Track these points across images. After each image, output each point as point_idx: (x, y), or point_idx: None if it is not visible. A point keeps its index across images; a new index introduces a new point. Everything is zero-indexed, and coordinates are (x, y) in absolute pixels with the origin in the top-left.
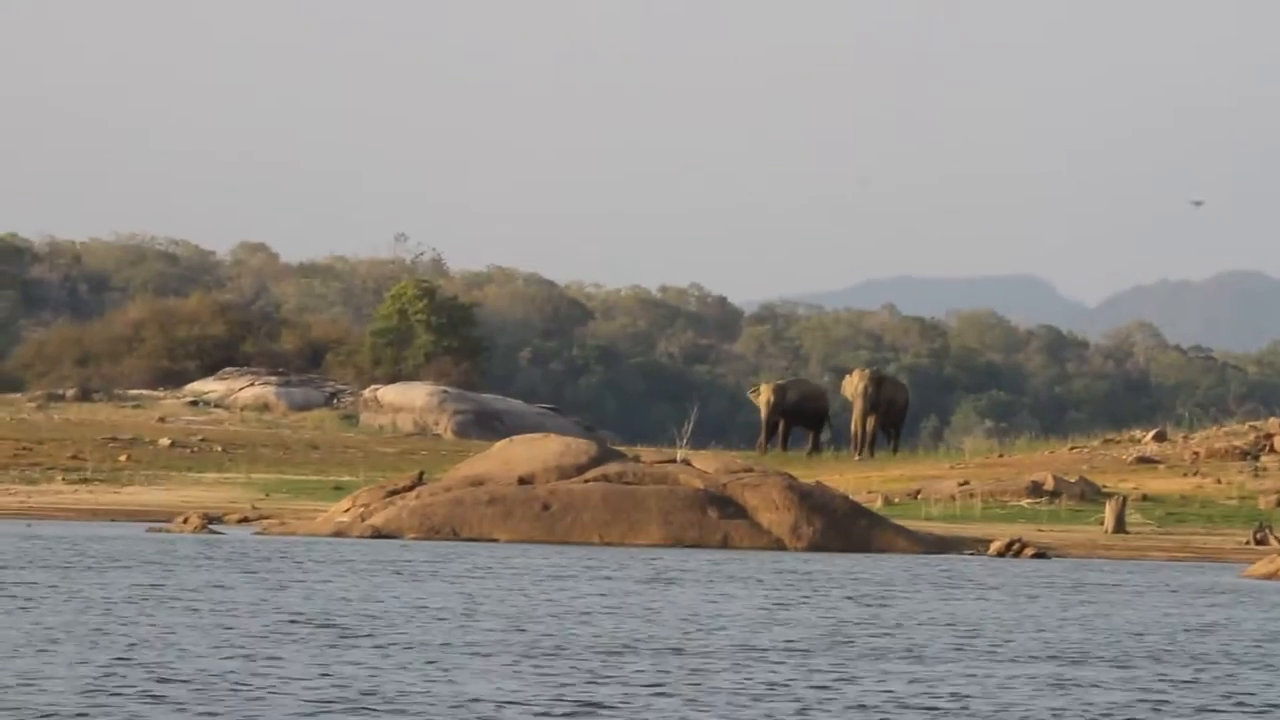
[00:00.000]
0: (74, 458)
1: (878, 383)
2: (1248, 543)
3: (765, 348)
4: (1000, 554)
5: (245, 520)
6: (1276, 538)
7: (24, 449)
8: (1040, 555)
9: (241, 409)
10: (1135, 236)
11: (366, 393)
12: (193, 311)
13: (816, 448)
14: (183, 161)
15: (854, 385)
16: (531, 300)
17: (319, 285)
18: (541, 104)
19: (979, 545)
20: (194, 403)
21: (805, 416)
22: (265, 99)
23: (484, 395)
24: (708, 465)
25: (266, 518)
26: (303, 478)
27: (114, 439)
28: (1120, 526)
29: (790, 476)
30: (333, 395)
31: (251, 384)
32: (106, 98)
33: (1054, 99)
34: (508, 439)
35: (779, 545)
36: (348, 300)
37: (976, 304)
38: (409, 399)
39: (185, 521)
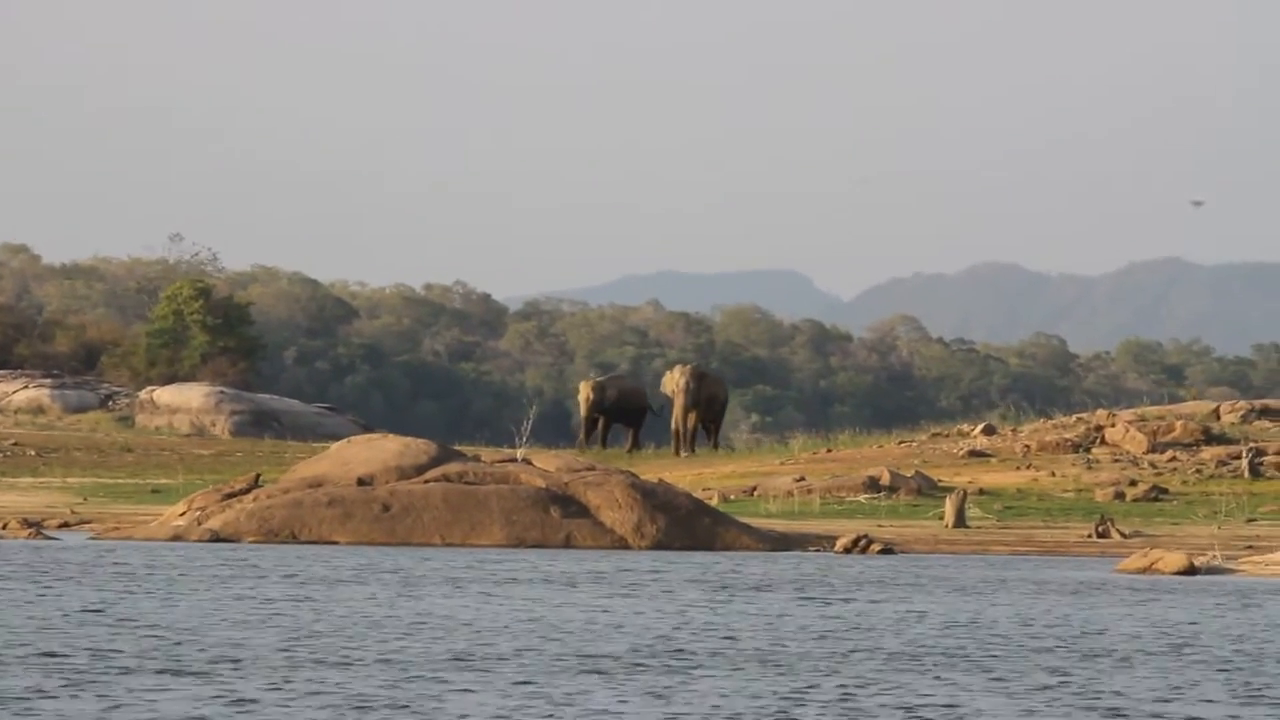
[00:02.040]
0: None
1: (699, 379)
2: (1090, 536)
3: (531, 344)
4: (846, 550)
5: (66, 525)
6: (1118, 530)
7: None
8: (887, 551)
9: (15, 412)
10: (890, 230)
11: (142, 394)
12: None
13: (636, 445)
14: None
15: (675, 381)
16: (296, 299)
17: (82, 286)
18: (305, 98)
19: (823, 542)
20: None
21: (624, 414)
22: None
23: (260, 395)
24: (549, 464)
25: (87, 522)
26: (119, 481)
27: None
28: (961, 521)
29: (633, 475)
30: (108, 397)
31: (25, 386)
32: None
33: (807, 98)
34: (346, 439)
35: (622, 544)
36: (111, 301)
37: (736, 298)
38: (185, 400)
39: (5, 527)
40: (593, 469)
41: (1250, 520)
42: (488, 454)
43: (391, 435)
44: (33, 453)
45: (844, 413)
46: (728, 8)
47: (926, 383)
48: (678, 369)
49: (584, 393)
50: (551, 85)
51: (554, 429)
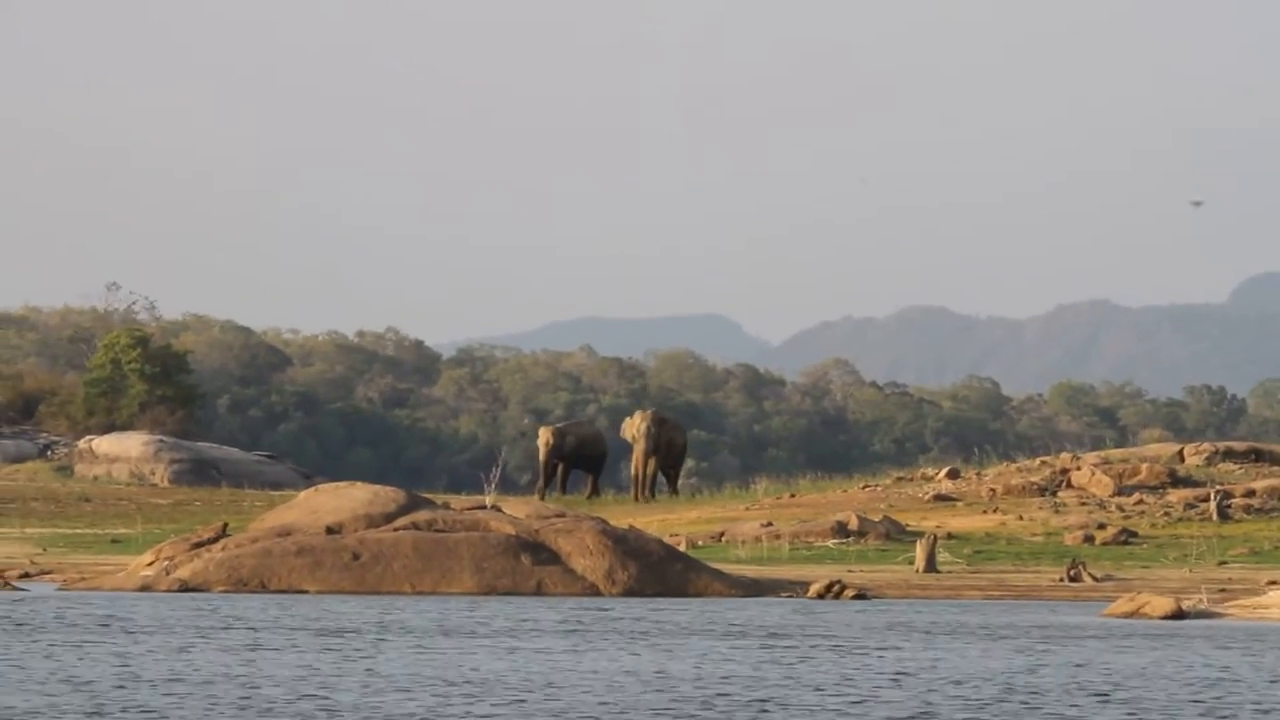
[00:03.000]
0: None
1: (659, 424)
2: (1061, 579)
3: (464, 390)
4: (820, 595)
5: (26, 575)
6: (1090, 574)
7: None
8: (860, 596)
9: None
10: (818, 275)
11: (81, 443)
12: None
13: (596, 491)
14: None
15: (635, 427)
16: (229, 347)
17: (14, 336)
18: (236, 139)
19: (795, 588)
20: None
21: (584, 459)
22: None
23: (200, 443)
24: (519, 511)
25: (47, 573)
26: (78, 531)
27: None
28: (932, 566)
29: (603, 521)
30: (46, 446)
31: None
32: None
33: (732, 145)
34: (314, 487)
35: (593, 591)
36: (43, 351)
37: (664, 344)
38: (124, 449)
39: None
40: (562, 515)
41: (1222, 563)
42: (456, 502)
43: (359, 484)
44: None
45: (778, 456)
46: (652, 57)
47: (860, 426)
48: (638, 415)
49: (544, 438)
50: (480, 129)
51: (489, 474)
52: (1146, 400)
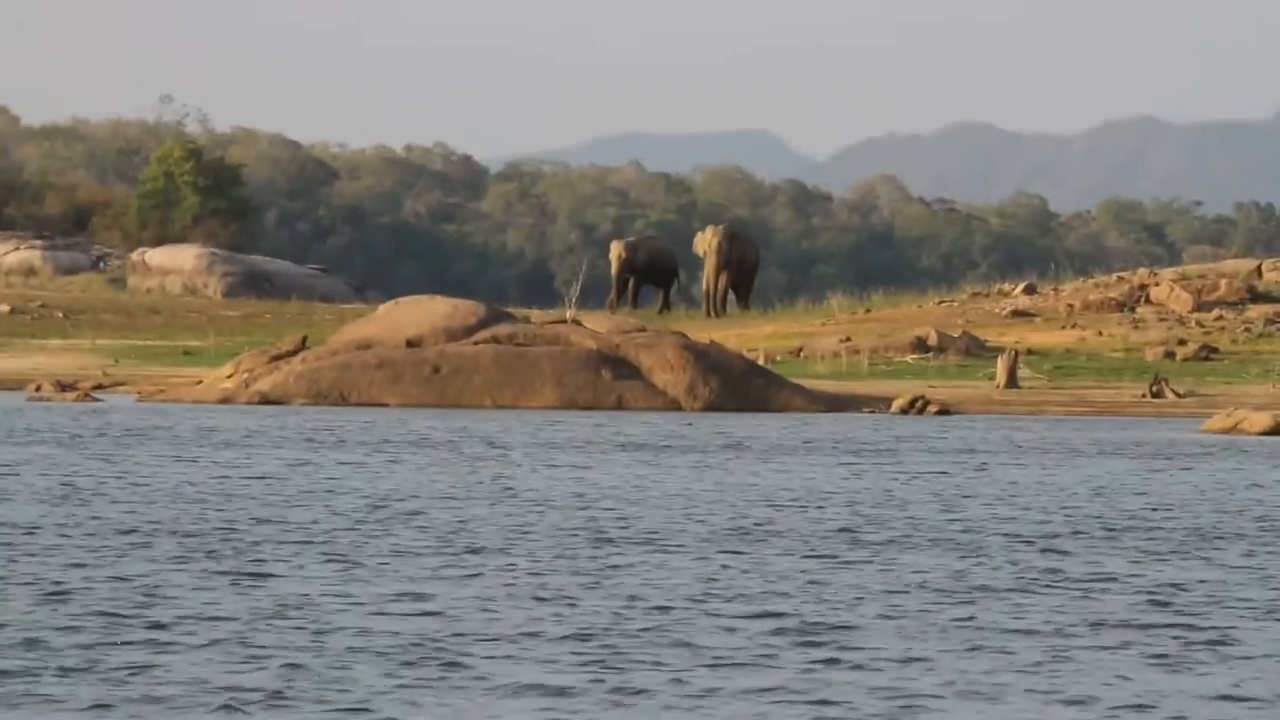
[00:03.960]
0: None
1: (731, 239)
2: (1144, 396)
3: (512, 205)
4: (903, 411)
5: (99, 387)
6: (1172, 390)
7: None
8: (944, 412)
9: (7, 273)
10: (864, 89)
11: (134, 256)
12: None
13: (667, 306)
14: None
15: (707, 242)
16: (276, 161)
17: (62, 148)
18: None
19: (877, 403)
20: None
21: (655, 274)
22: None
23: (252, 256)
24: (600, 326)
25: (120, 384)
26: (149, 343)
27: None
28: (1013, 381)
29: (684, 336)
30: (99, 259)
31: (17, 248)
32: None
33: None
34: (393, 300)
35: (674, 406)
36: (91, 163)
37: (708, 159)
38: (177, 261)
39: (38, 389)
40: (643, 330)
41: None
42: (536, 316)
43: (439, 297)
44: (60, 314)
45: (827, 273)
46: None
47: (908, 243)
48: (710, 229)
49: (616, 252)
50: None
51: (536, 291)
52: (1195, 217)
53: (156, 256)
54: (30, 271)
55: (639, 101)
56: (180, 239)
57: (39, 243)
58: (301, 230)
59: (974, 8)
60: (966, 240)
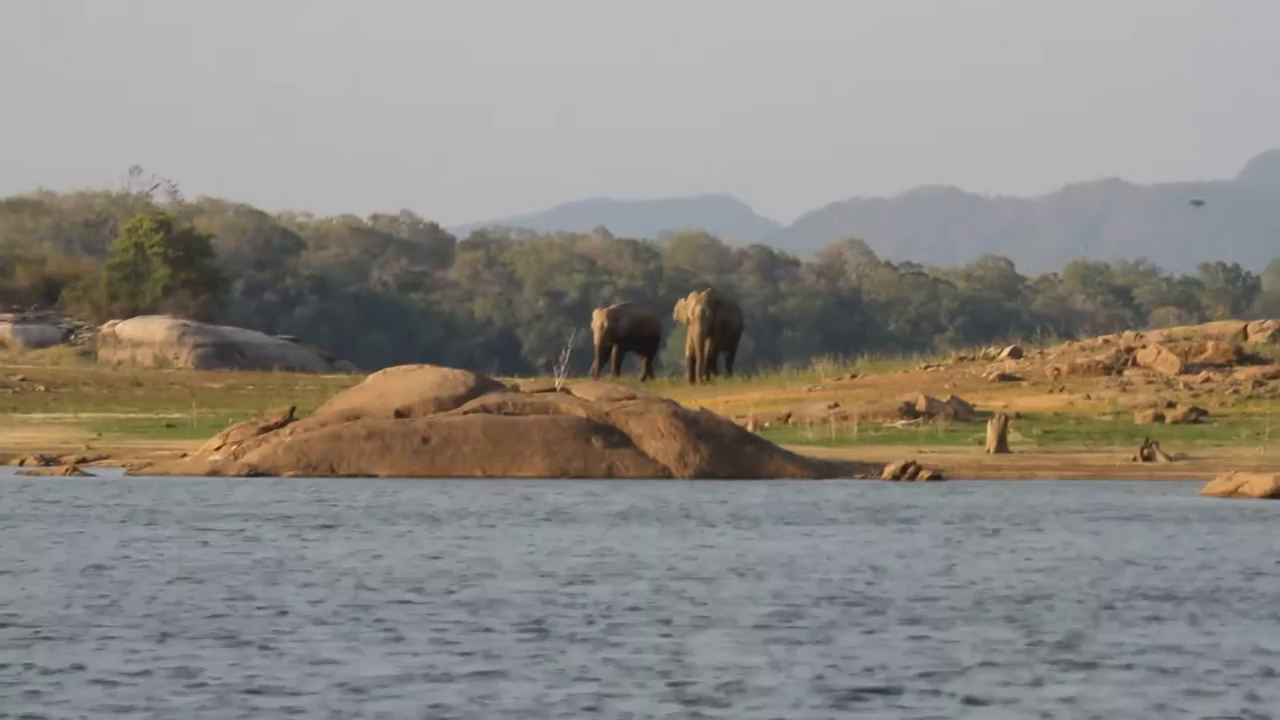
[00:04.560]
0: None
1: (714, 305)
2: (1135, 459)
3: (479, 274)
4: (895, 477)
5: (84, 460)
6: (1164, 453)
7: None
8: (935, 477)
9: None
10: (827, 154)
11: (105, 328)
12: None
13: (650, 373)
14: None
15: (690, 308)
16: (243, 231)
17: (29, 220)
18: (249, 19)
19: (869, 469)
20: None
21: (638, 341)
22: None
23: (223, 327)
24: (589, 393)
25: (104, 458)
26: (132, 416)
27: None
28: (1003, 446)
29: (674, 403)
30: (70, 331)
31: None
32: None
33: (741, 20)
34: (382, 371)
35: (665, 474)
36: (57, 235)
37: (674, 226)
38: (148, 333)
39: (22, 463)
40: (633, 398)
41: None
42: (525, 384)
43: (428, 366)
44: (42, 388)
45: (794, 338)
46: None
47: (875, 307)
48: (693, 295)
49: (598, 320)
50: (490, 9)
51: (505, 359)
52: (1161, 278)
53: (127, 328)
54: (1, 344)
55: (604, 168)
56: (151, 310)
57: (9, 316)
58: (269, 300)
59: (936, 72)
60: (934, 304)
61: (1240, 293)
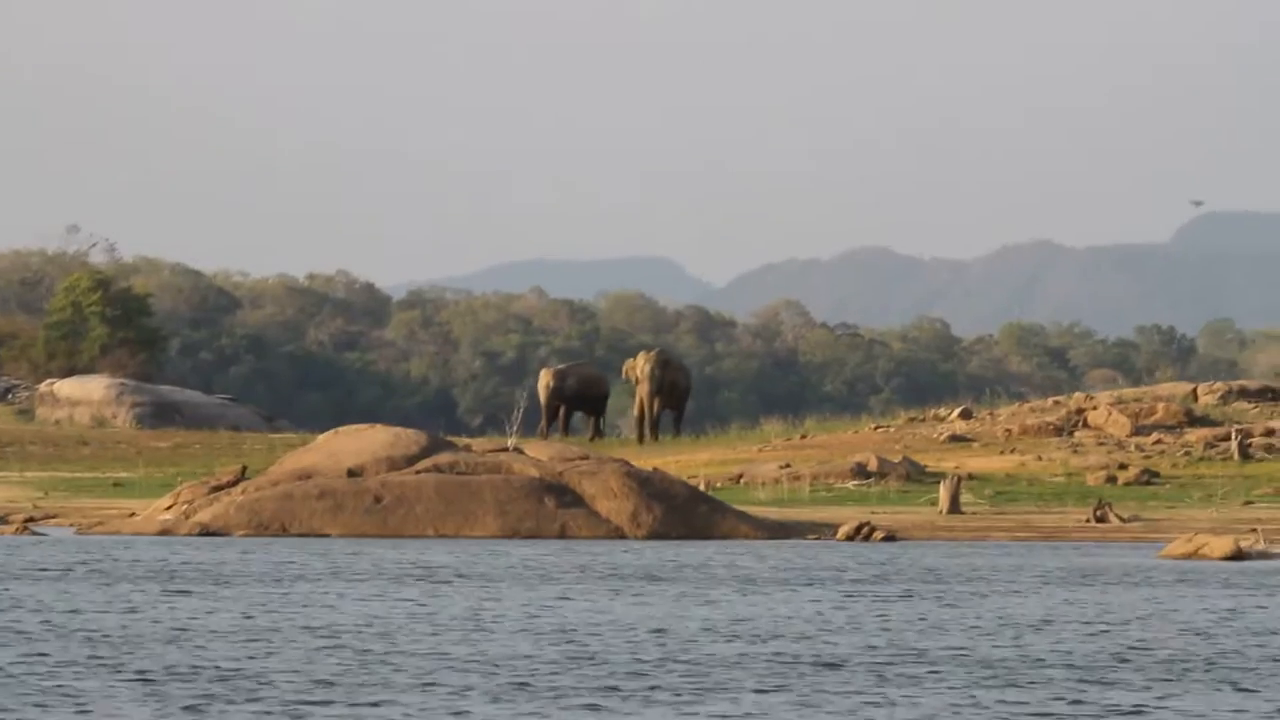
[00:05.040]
0: None
1: (663, 365)
2: (1088, 520)
3: (416, 333)
4: (849, 538)
5: (31, 519)
6: (1117, 515)
7: None
8: (889, 538)
9: None
10: (761, 216)
11: (42, 387)
12: None
13: (599, 433)
14: None
15: (639, 367)
16: (179, 290)
17: None
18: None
19: (823, 529)
20: None
21: (586, 401)
22: None
23: (161, 386)
24: (541, 453)
25: (51, 517)
26: (78, 475)
27: None
28: (955, 507)
29: (627, 463)
30: (7, 390)
31: None
32: None
33: (672, 83)
34: (333, 430)
35: (618, 534)
36: None
37: (607, 286)
38: (86, 392)
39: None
40: (586, 458)
41: (1248, 503)
42: (477, 444)
43: (380, 425)
44: None
45: (731, 399)
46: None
47: (811, 368)
48: (641, 355)
49: (544, 380)
50: (425, 75)
51: (441, 419)
52: (1096, 340)
53: (65, 387)
54: None
55: (538, 229)
56: (88, 369)
57: None
58: (204, 359)
59: (870, 134)
60: (870, 365)
61: (1176, 354)
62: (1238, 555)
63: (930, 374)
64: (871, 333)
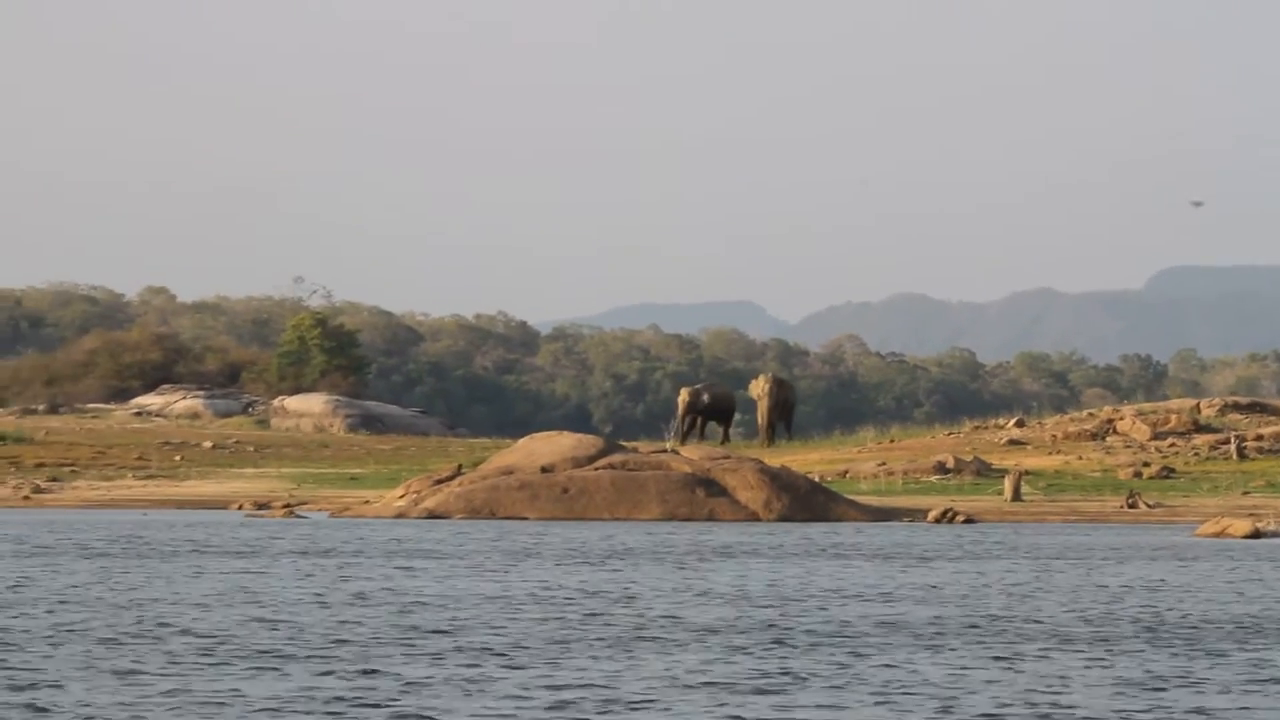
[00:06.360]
0: (139, 459)
1: (779, 384)
2: (1122, 507)
3: (559, 360)
4: (937, 521)
5: (288, 505)
6: (1144, 502)
7: (99, 452)
8: (968, 521)
9: (176, 418)
10: (826, 268)
11: (275, 402)
12: (136, 341)
13: (727, 438)
14: (97, 214)
15: (760, 387)
16: (375, 327)
17: (209, 319)
18: (366, 153)
19: (916, 514)
20: (139, 414)
21: (717, 413)
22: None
23: (368, 402)
24: (693, 454)
25: (303, 503)
26: (322, 471)
27: (168, 442)
28: (1017, 495)
29: (760, 461)
30: (248, 405)
31: (184, 397)
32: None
33: (748, 161)
34: (529, 436)
35: (754, 518)
36: (231, 330)
37: (706, 324)
38: (309, 406)
39: (240, 508)
40: (728, 458)
41: (1245, 493)
42: (642, 447)
43: (566, 432)
44: (251, 449)
45: (805, 412)
46: (663, 90)
47: (868, 387)
48: (761, 377)
49: (683, 397)
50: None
51: (579, 428)
52: (1089, 366)
53: (293, 403)
54: (194, 416)
55: (650, 276)
56: (310, 388)
57: (200, 393)
58: (395, 381)
59: (914, 208)
60: (913, 385)
61: (1151, 378)
62: (1256, 534)
63: (961, 392)
64: (914, 360)
